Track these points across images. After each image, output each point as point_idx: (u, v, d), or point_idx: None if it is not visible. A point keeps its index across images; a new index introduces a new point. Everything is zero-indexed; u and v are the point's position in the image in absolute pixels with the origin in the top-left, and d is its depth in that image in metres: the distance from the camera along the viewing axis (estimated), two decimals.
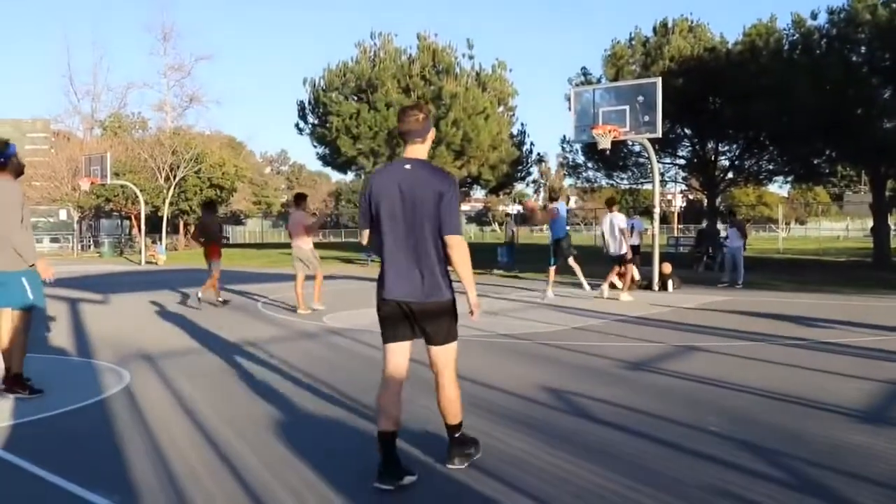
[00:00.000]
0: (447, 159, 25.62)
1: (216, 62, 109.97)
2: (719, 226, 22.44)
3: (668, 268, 14.66)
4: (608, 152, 18.18)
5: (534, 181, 40.62)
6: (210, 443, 4.22)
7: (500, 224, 62.77)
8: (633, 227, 14.59)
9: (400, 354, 3.57)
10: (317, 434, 4.50)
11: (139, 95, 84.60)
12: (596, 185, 30.48)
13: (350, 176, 35.46)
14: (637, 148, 24.52)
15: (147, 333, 8.78)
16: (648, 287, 14.21)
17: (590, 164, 27.97)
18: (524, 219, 44.44)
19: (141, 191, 32.11)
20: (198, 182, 41.39)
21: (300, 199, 11.48)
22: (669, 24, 24.99)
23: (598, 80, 24.72)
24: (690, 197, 64.41)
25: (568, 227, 12.86)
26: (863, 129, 19.41)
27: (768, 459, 3.79)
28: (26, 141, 49.72)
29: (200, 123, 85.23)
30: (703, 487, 3.39)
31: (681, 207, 68.21)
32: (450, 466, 3.66)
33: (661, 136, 15.41)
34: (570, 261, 12.44)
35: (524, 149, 30.15)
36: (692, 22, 25.13)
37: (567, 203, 64.14)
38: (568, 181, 40.08)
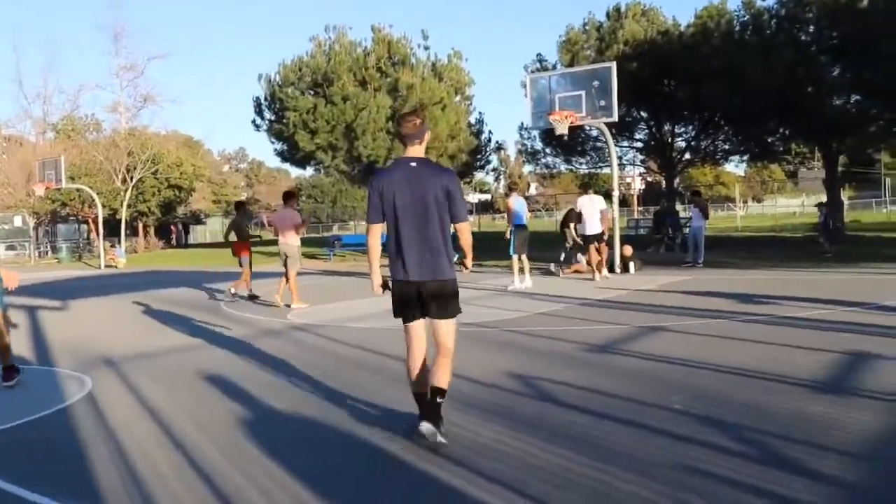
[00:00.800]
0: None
1: (170, 61, 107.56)
2: (678, 206, 22.82)
3: (629, 250, 14.90)
4: (566, 138, 18.36)
5: (494, 169, 40.89)
6: (177, 445, 4.16)
7: None
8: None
9: (419, 331, 4.02)
10: (286, 433, 4.45)
11: (92, 97, 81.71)
12: (555, 170, 30.83)
13: (309, 171, 35.20)
14: (594, 133, 24.76)
15: (108, 338, 8.61)
16: (611, 270, 14.41)
17: (548, 151, 28.20)
18: (485, 207, 44.65)
19: (98, 194, 31.65)
20: (155, 183, 40.98)
21: (289, 196, 11.68)
22: (622, 9, 25.29)
23: (554, 67, 24.90)
24: (649, 179, 65.43)
25: (527, 217, 12.85)
26: (813, 106, 19.93)
27: (732, 434, 3.87)
28: None
29: (156, 123, 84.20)
30: (668, 465, 3.45)
31: (640, 190, 69.24)
32: (422, 428, 3.82)
33: (617, 120, 15.60)
34: (523, 256, 12.46)
35: (482, 137, 30.22)
36: (645, 6, 25.49)
37: (527, 189, 64.53)
38: (527, 168, 40.35)
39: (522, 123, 28.88)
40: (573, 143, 26.01)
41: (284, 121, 27.34)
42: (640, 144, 28.55)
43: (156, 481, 3.57)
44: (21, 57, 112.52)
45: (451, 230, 4.04)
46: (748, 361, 5.61)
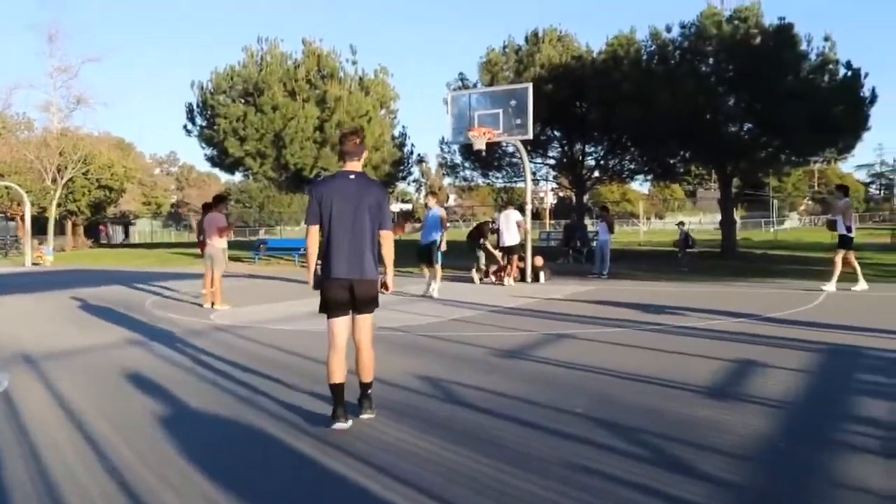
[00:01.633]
0: (331, 160, 25.74)
1: (104, 64, 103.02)
2: (587, 220, 23.63)
3: (539, 260, 15.34)
4: (483, 153, 18.74)
5: (415, 180, 41.25)
6: (90, 442, 4.08)
7: None
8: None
9: (344, 327, 4.40)
10: (201, 431, 4.41)
11: (25, 96, 76.73)
12: (473, 183, 31.39)
13: (238, 176, 35.06)
14: (511, 149, 25.32)
15: (28, 336, 8.31)
16: (522, 279, 14.79)
17: (467, 164, 28.69)
18: (406, 216, 44.80)
19: (27, 192, 31.34)
20: (86, 183, 40.82)
21: (218, 200, 11.65)
22: (540, 34, 26.09)
23: (475, 85, 25.34)
24: (561, 194, 67.33)
25: (445, 228, 13.01)
26: (711, 132, 21.11)
27: (627, 436, 4.05)
28: None
29: (88, 125, 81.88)
30: (565, 465, 3.59)
31: (552, 204, 71.19)
32: (363, 417, 4.41)
33: (532, 137, 16.04)
34: (437, 266, 12.65)
35: (405, 150, 30.75)
36: (561, 32, 26.39)
37: (446, 201, 65.10)
38: (447, 180, 40.89)
39: (443, 138, 29.34)
40: (490, 159, 26.58)
41: (215, 127, 27.52)
42: (553, 161, 29.38)
43: (66, 478, 3.48)
44: None
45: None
46: (646, 368, 5.89)
